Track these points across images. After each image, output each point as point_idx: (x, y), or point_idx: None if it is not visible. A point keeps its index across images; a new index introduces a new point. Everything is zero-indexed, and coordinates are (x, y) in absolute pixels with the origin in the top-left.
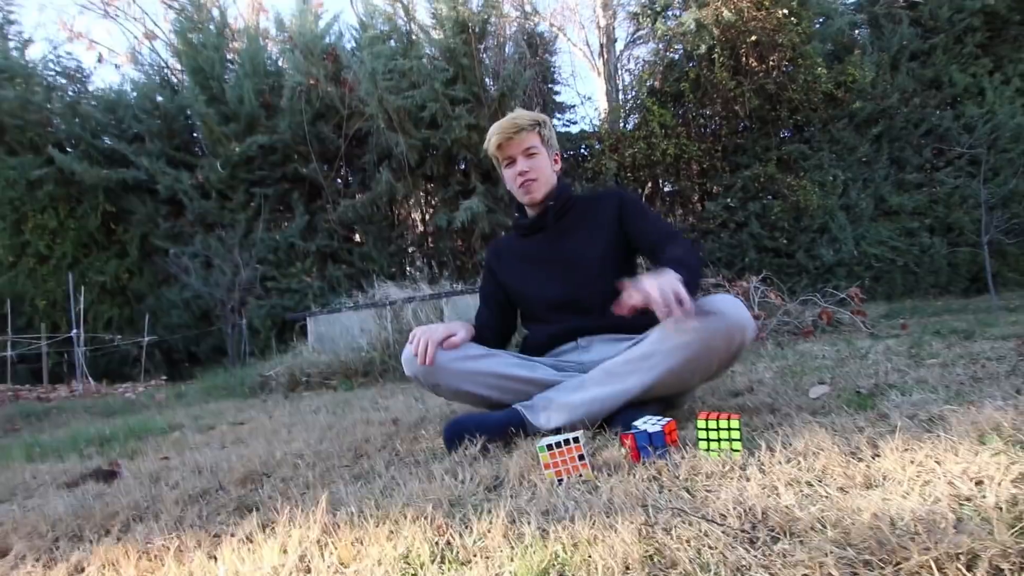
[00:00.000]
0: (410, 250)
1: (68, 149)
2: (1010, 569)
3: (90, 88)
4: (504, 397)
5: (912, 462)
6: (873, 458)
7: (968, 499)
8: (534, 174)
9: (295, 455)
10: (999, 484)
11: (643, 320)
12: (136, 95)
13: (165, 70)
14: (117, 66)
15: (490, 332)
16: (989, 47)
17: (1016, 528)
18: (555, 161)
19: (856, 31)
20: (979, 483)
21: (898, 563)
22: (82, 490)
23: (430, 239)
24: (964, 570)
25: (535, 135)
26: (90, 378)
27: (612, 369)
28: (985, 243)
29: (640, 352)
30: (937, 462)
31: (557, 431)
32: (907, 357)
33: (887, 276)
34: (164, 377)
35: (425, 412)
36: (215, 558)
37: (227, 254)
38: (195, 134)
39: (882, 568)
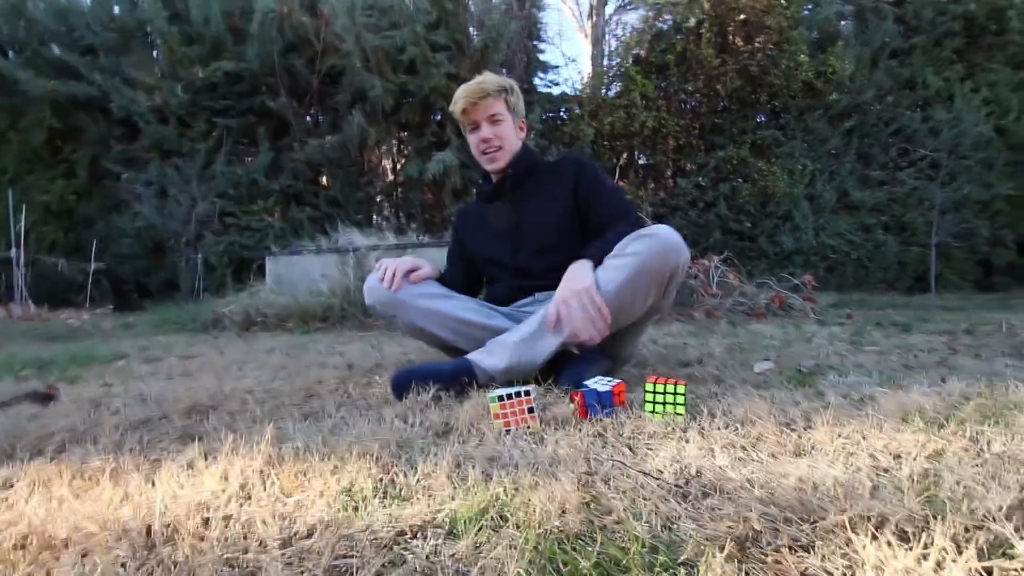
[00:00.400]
0: (378, 199)
1: (11, 54)
2: (913, 532)
3: None
4: (458, 341)
5: (840, 435)
6: (805, 430)
7: (886, 470)
8: (497, 142)
9: (245, 391)
10: (915, 459)
11: None
12: (90, 3)
13: None
14: None
15: (455, 287)
16: (964, 53)
17: (923, 496)
18: (520, 128)
19: (842, 22)
20: (897, 457)
21: (815, 521)
22: (16, 411)
23: (400, 189)
24: (874, 530)
25: (501, 102)
26: (30, 301)
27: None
28: (934, 244)
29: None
30: (863, 436)
31: (509, 383)
32: (849, 343)
33: (840, 268)
34: (111, 307)
35: (381, 359)
36: (153, 483)
37: (184, 185)
38: (155, 53)
39: (800, 525)
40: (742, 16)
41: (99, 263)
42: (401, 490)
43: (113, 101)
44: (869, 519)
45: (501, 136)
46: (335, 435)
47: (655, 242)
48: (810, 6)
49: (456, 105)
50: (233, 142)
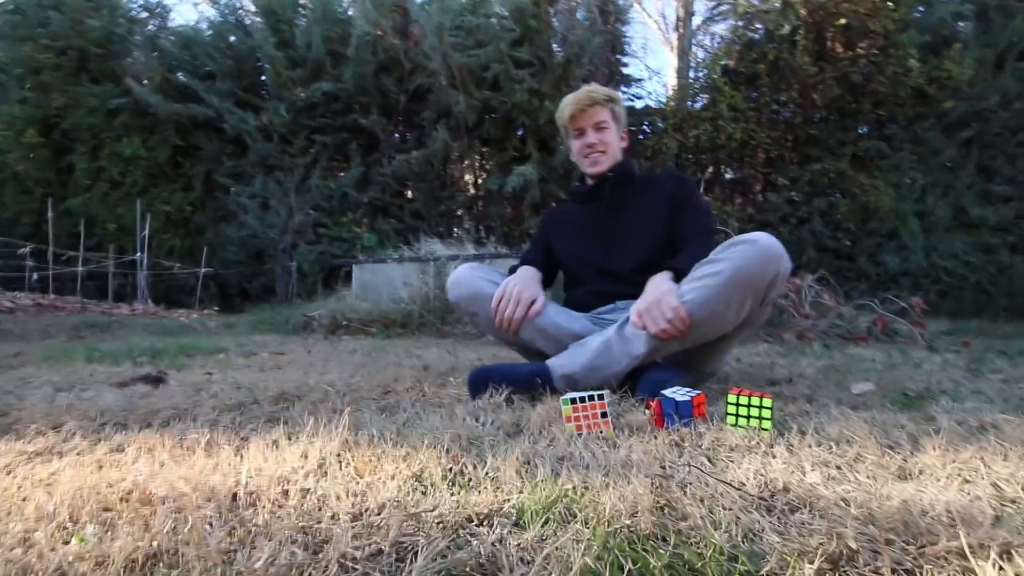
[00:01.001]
0: (459, 211)
1: (144, 82)
2: None
3: (169, 24)
4: (537, 342)
5: (954, 461)
6: (912, 453)
7: (1013, 501)
8: (602, 147)
9: (327, 384)
10: None
11: None
12: (211, 33)
13: (240, 11)
14: (196, 4)
15: None
16: None
17: None
18: (622, 138)
19: (960, 23)
20: None
21: (923, 546)
22: (131, 390)
23: (480, 202)
24: (997, 559)
25: (607, 110)
26: (150, 300)
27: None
28: None
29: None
30: (983, 463)
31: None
32: (965, 370)
33: (956, 292)
34: (216, 308)
35: (456, 363)
36: (241, 456)
37: (283, 197)
38: (263, 77)
39: (905, 548)
40: (843, 20)
41: (208, 268)
42: (469, 479)
43: (226, 121)
44: (991, 548)
45: (605, 141)
46: (408, 427)
47: (754, 248)
48: (921, 7)
49: (563, 112)
50: (328, 157)
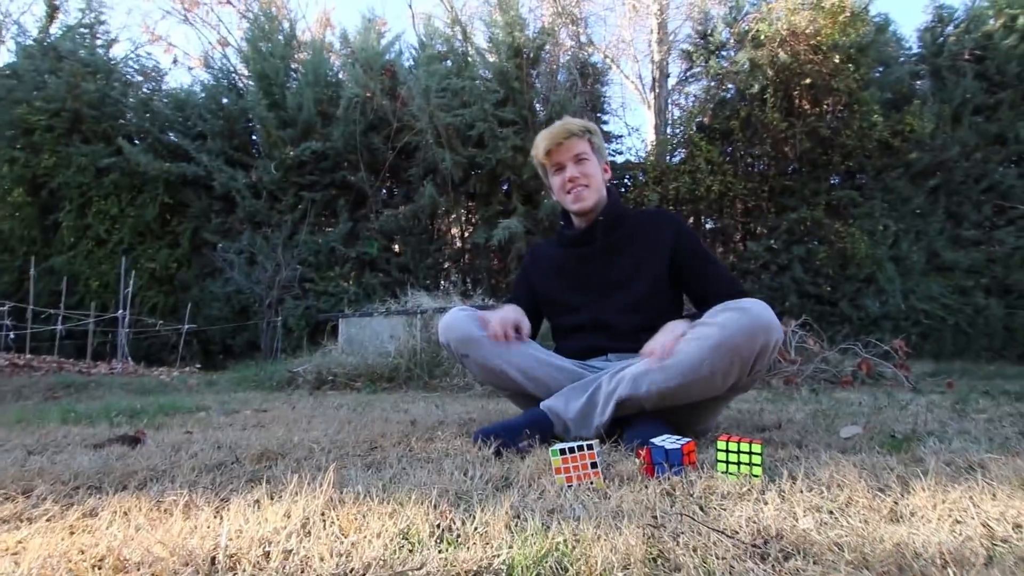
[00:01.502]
0: (446, 265)
1: (136, 142)
2: None
3: (163, 87)
4: (527, 385)
5: (944, 501)
6: (902, 495)
7: (1004, 540)
8: (584, 180)
9: (311, 441)
10: None
11: None
12: (204, 96)
13: (233, 75)
14: (190, 68)
15: None
16: None
17: None
18: (605, 170)
19: (917, 82)
20: (1018, 527)
21: None
22: (107, 451)
23: (467, 255)
24: None
25: (585, 142)
26: (130, 359)
27: (634, 367)
28: None
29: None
30: (973, 503)
31: (575, 438)
32: (951, 411)
33: (936, 334)
34: (199, 365)
35: (443, 416)
36: (221, 518)
37: (271, 252)
38: (254, 136)
39: None
40: (807, 80)
41: (191, 324)
42: (458, 535)
43: (215, 179)
44: None
45: (587, 174)
46: (395, 483)
47: (743, 317)
48: (880, 68)
49: (539, 148)
50: (316, 213)
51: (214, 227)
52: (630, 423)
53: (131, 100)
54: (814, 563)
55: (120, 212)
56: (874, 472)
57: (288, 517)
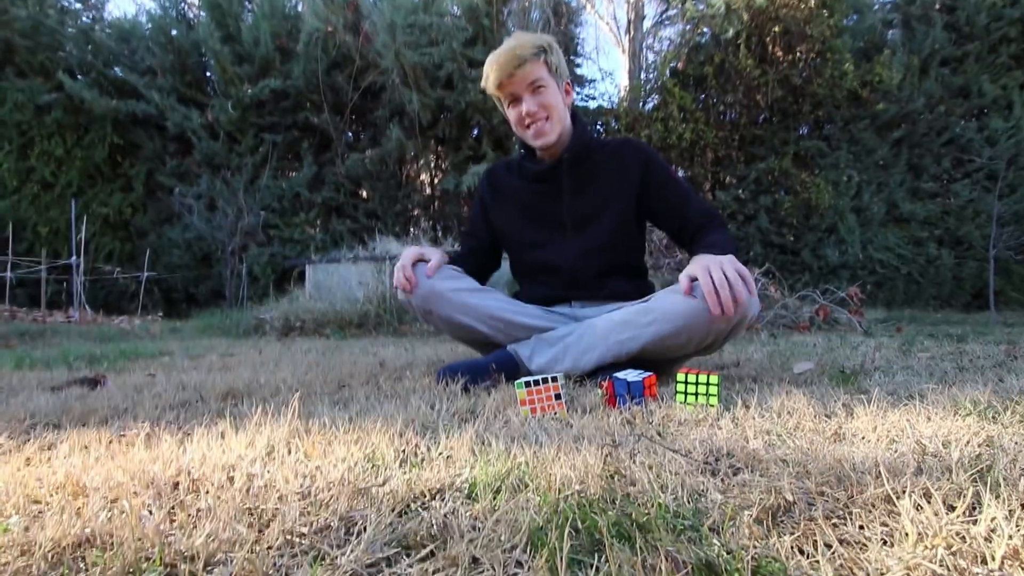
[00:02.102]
0: (415, 211)
1: (79, 76)
2: (964, 509)
3: (105, 16)
4: (494, 335)
5: (883, 424)
6: (846, 419)
7: (934, 455)
8: (544, 112)
9: (279, 380)
10: (967, 443)
11: (638, 294)
12: (151, 27)
13: (182, 4)
14: None
15: (467, 268)
16: (1023, 59)
17: (974, 473)
18: (567, 92)
19: (889, 31)
20: (947, 444)
21: (852, 495)
22: (66, 393)
23: (437, 202)
24: (919, 500)
25: (540, 64)
26: (87, 307)
27: (606, 325)
28: (992, 257)
29: (640, 310)
30: (909, 424)
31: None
32: (897, 351)
33: (890, 283)
34: (161, 314)
35: (412, 359)
36: (184, 448)
37: (232, 197)
38: (208, 73)
39: (837, 498)
40: (781, 26)
41: (151, 272)
42: (422, 460)
43: (168, 119)
44: (912, 492)
45: (547, 105)
46: (362, 415)
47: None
48: (854, 15)
49: (488, 80)
50: (278, 157)
51: (170, 170)
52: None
53: (69, 30)
54: (760, 475)
55: (66, 153)
56: (822, 401)
57: (253, 446)
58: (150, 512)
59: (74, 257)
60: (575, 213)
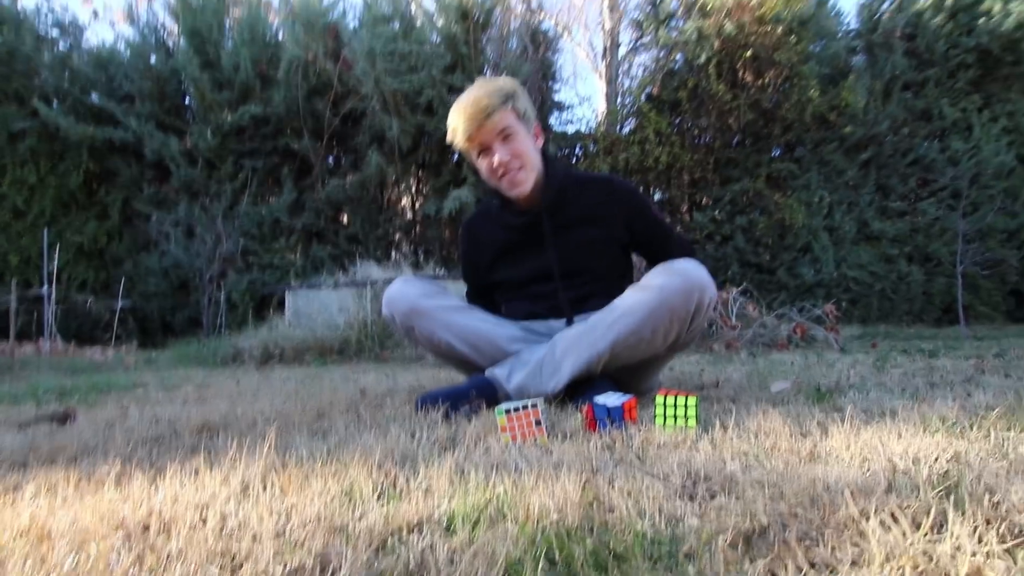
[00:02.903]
0: (397, 236)
1: (55, 103)
2: (930, 526)
3: (83, 44)
4: (475, 356)
5: (857, 443)
6: (821, 438)
7: (904, 472)
8: (517, 161)
9: (256, 412)
10: (935, 460)
11: None
12: (129, 54)
13: (161, 31)
14: (112, 23)
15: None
16: (980, 84)
17: (941, 490)
18: (536, 136)
19: (853, 57)
20: (916, 461)
21: (825, 516)
22: (33, 430)
23: (418, 226)
24: (888, 519)
25: (508, 112)
26: (59, 338)
27: (576, 331)
28: (960, 273)
29: (604, 311)
30: (881, 443)
31: (520, 395)
32: (871, 367)
33: (864, 300)
34: (136, 344)
35: (393, 386)
36: (156, 486)
37: (210, 224)
38: (187, 99)
39: (810, 520)
40: (751, 52)
41: (126, 301)
42: (401, 492)
43: (147, 145)
44: (881, 512)
45: (519, 153)
46: (340, 447)
47: (679, 279)
48: (821, 41)
49: (456, 134)
50: (258, 183)
51: (147, 197)
52: (579, 387)
53: (46, 57)
54: (736, 499)
55: (39, 181)
56: (798, 420)
57: (227, 483)
58: (119, 556)
59: (45, 287)
60: (561, 261)
